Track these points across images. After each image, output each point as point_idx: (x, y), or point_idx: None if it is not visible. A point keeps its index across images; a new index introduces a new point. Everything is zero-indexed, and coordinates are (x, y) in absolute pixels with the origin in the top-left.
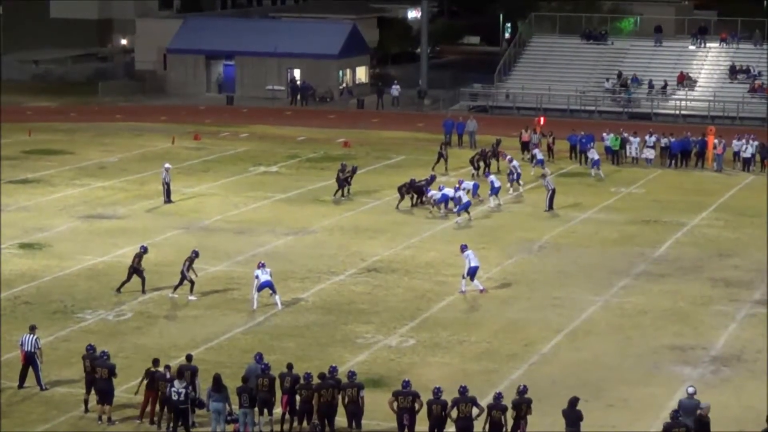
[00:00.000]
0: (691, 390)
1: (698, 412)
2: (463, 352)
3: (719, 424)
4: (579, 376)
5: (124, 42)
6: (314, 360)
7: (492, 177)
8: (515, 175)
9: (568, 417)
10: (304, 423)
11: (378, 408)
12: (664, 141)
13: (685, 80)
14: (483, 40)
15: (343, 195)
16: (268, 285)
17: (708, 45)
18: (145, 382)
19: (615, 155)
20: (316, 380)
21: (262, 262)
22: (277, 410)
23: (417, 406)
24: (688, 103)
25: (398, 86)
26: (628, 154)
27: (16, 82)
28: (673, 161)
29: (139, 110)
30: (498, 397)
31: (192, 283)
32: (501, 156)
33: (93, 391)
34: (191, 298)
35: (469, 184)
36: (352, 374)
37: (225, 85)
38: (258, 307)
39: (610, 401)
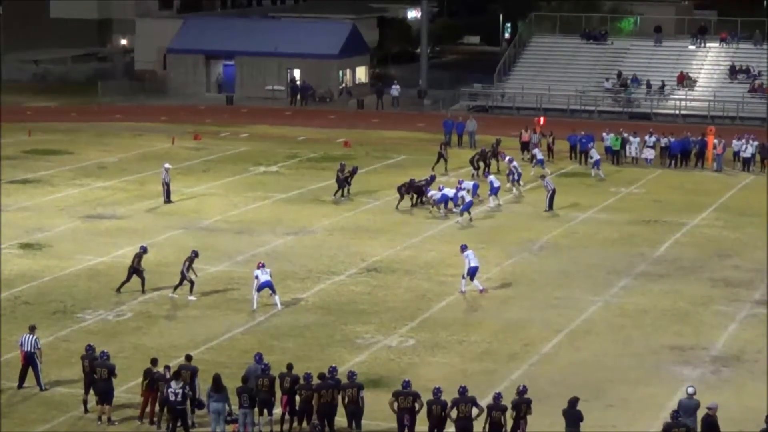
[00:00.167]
0: (690, 390)
1: (706, 411)
2: (463, 352)
3: (719, 424)
4: (579, 376)
5: (124, 42)
6: (314, 360)
7: (491, 177)
8: (515, 175)
9: (568, 417)
10: (304, 423)
11: (378, 408)
12: (664, 141)
13: (685, 80)
14: (483, 40)
15: (343, 195)
16: (267, 285)
17: (708, 45)
18: (145, 382)
19: (615, 155)
20: (316, 380)
21: (262, 262)
22: (277, 410)
23: (417, 406)
24: (688, 103)
25: (398, 86)
26: (627, 154)
27: (15, 83)
28: (673, 161)
29: (139, 110)
30: (497, 397)
31: (192, 283)
32: (500, 156)
33: (92, 392)
34: (191, 298)
35: (468, 184)
36: (352, 374)
37: (225, 85)
38: (258, 307)
39: (610, 401)
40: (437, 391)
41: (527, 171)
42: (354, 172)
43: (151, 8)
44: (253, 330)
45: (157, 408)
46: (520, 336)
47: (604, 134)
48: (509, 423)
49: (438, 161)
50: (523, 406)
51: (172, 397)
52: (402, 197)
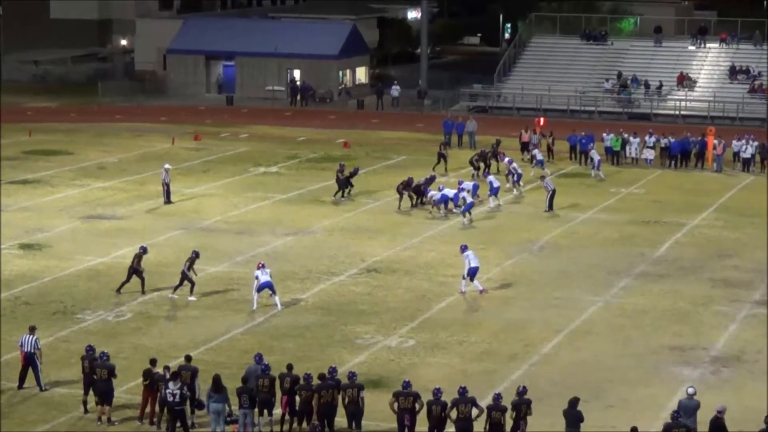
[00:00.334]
0: (690, 390)
1: (715, 413)
2: (462, 353)
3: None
4: (579, 377)
5: (124, 42)
6: (314, 360)
7: (491, 177)
8: (515, 176)
9: (568, 417)
10: (304, 424)
11: (378, 408)
12: (664, 141)
13: (685, 81)
14: (483, 41)
15: (343, 195)
16: (267, 285)
17: (708, 45)
18: (144, 382)
19: (615, 156)
20: (316, 381)
21: (262, 262)
22: (277, 411)
23: (417, 406)
24: (688, 103)
25: (398, 86)
26: (627, 154)
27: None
28: (673, 162)
29: (139, 111)
30: (497, 397)
31: (192, 283)
32: (500, 157)
33: (92, 392)
34: (191, 298)
35: (468, 184)
36: (352, 375)
37: (225, 86)
38: (258, 307)
39: (610, 401)
40: (437, 392)
41: (527, 171)
42: (355, 172)
43: (151, 8)
44: (253, 330)
45: (156, 408)
46: (520, 336)
47: (604, 135)
48: (509, 423)
49: (438, 162)
50: (523, 406)
51: (170, 398)
52: (401, 196)
